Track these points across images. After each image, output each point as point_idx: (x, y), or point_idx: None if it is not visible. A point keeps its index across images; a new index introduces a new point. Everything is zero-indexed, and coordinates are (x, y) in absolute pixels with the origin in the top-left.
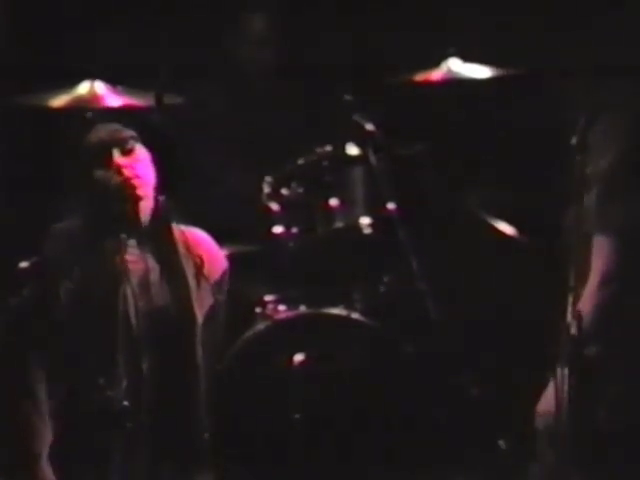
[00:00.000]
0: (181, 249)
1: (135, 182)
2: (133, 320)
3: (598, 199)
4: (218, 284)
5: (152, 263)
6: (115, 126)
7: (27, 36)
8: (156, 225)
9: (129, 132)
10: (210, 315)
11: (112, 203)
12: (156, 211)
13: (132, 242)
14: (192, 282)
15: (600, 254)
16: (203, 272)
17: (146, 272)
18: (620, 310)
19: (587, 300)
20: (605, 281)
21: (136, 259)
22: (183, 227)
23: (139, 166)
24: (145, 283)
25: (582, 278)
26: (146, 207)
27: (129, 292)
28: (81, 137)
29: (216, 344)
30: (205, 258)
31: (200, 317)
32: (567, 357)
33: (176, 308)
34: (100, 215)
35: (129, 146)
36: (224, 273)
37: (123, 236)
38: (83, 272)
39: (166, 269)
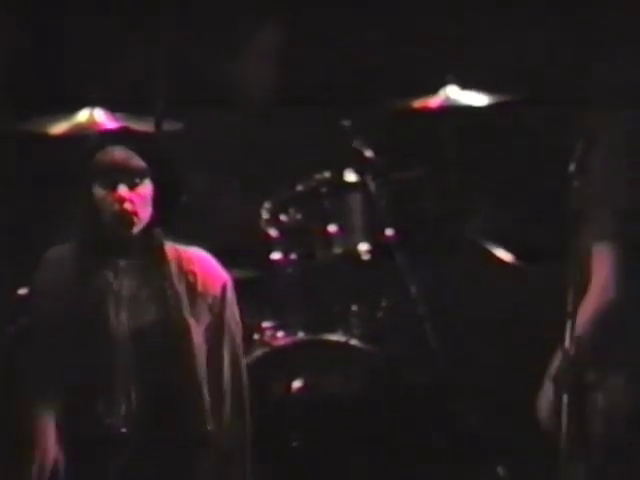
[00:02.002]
0: (173, 268)
1: (133, 218)
2: (127, 344)
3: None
4: (220, 299)
5: (142, 284)
6: (128, 153)
7: (27, 64)
8: (146, 246)
9: (140, 163)
10: (211, 333)
11: (106, 225)
12: (147, 234)
13: (122, 263)
14: (185, 300)
15: (601, 264)
16: (197, 289)
17: (138, 294)
18: (618, 319)
19: (587, 306)
20: (605, 290)
21: (127, 281)
22: (179, 246)
23: (140, 203)
24: (137, 305)
25: (580, 300)
26: (138, 232)
27: (121, 316)
28: (90, 156)
29: (222, 364)
30: (199, 274)
31: (198, 335)
32: (567, 382)
33: (169, 327)
34: (92, 234)
35: (137, 180)
36: (224, 287)
37: (113, 259)
38: (73, 297)
39: (157, 289)
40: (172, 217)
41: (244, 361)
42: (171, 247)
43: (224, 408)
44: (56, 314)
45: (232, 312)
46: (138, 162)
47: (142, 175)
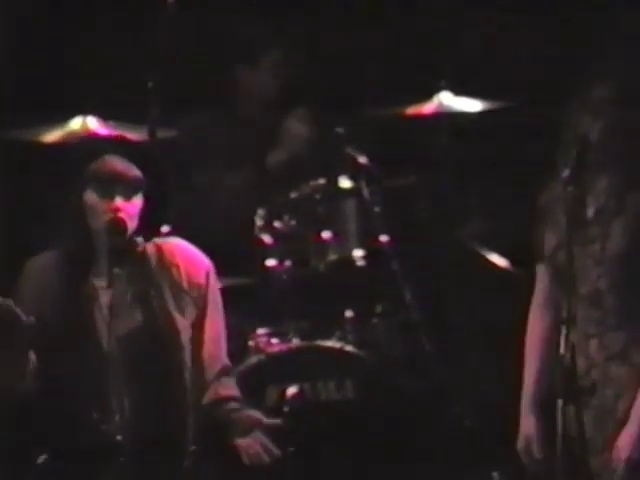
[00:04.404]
0: (155, 264)
1: (126, 226)
2: (116, 351)
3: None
4: (204, 289)
5: (127, 289)
6: (127, 164)
7: (19, 71)
8: (129, 253)
9: (138, 175)
10: (198, 324)
11: (95, 232)
12: (131, 242)
13: (107, 271)
14: (169, 295)
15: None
16: (182, 280)
17: (123, 300)
18: None
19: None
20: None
21: (113, 288)
22: (159, 240)
23: (131, 215)
24: (123, 311)
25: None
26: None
27: (109, 323)
28: (85, 163)
29: (205, 357)
30: (182, 265)
31: (186, 330)
32: (562, 388)
33: (156, 328)
34: (78, 241)
35: (132, 192)
36: (208, 274)
37: (98, 267)
38: (59, 307)
39: (141, 292)
40: (157, 227)
41: (225, 356)
42: (151, 244)
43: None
44: (42, 324)
45: (215, 301)
46: (136, 173)
47: (138, 187)
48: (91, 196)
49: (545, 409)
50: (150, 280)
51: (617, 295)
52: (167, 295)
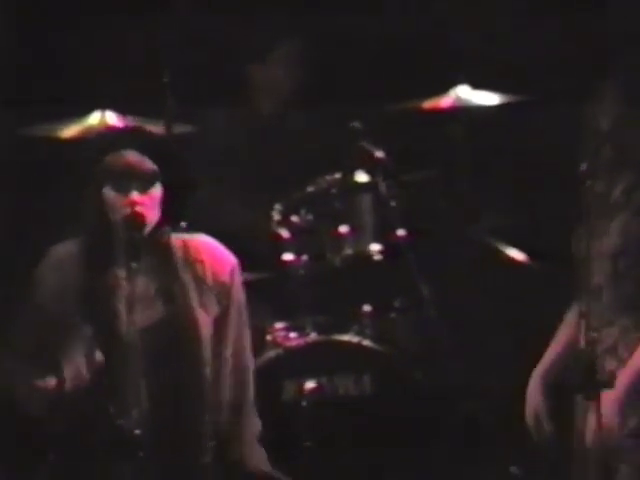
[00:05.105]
0: (180, 258)
1: (144, 220)
2: (137, 344)
3: None
4: (228, 286)
5: (150, 281)
6: (141, 157)
7: (38, 66)
8: (154, 245)
9: (152, 167)
10: (217, 326)
11: (115, 226)
12: (155, 233)
13: (131, 263)
14: (192, 290)
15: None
16: (205, 279)
17: (147, 292)
18: None
19: None
20: None
21: (136, 280)
22: (186, 235)
23: (150, 205)
24: (146, 303)
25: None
26: (147, 232)
27: (131, 315)
28: (101, 157)
29: (224, 359)
30: (207, 262)
31: (207, 326)
32: (582, 383)
33: (178, 322)
34: (100, 234)
35: (148, 184)
36: (232, 271)
37: (122, 258)
38: (82, 297)
39: (164, 284)
40: (180, 218)
41: (249, 355)
42: (177, 238)
43: (223, 403)
44: (62, 313)
45: (239, 298)
46: (150, 166)
47: (153, 179)
48: (107, 191)
49: (552, 394)
50: (174, 274)
51: (610, 291)
52: (190, 290)
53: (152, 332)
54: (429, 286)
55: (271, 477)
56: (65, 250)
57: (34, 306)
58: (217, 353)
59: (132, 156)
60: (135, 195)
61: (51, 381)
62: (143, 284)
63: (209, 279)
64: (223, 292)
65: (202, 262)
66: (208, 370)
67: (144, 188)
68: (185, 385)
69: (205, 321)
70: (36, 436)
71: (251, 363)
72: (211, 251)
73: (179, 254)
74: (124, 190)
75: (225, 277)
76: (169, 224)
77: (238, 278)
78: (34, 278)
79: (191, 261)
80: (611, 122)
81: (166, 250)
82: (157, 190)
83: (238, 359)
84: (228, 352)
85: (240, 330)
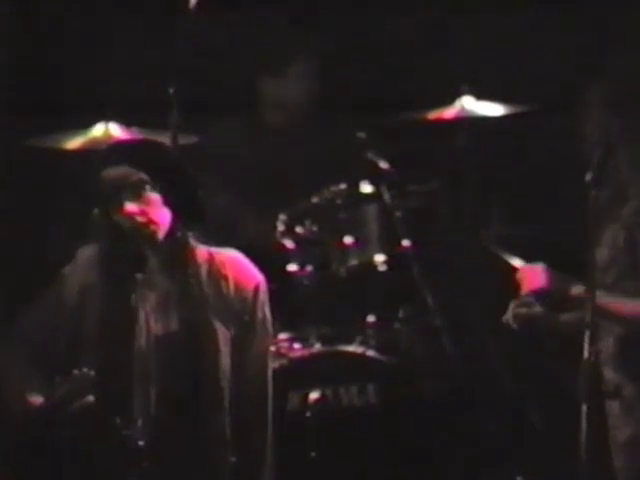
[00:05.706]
0: (204, 271)
1: (151, 227)
2: (150, 351)
3: None
4: (251, 303)
5: (169, 287)
6: (124, 169)
7: (41, 78)
8: (172, 250)
9: (138, 175)
10: (240, 341)
11: (128, 244)
12: (173, 238)
13: (150, 269)
14: (214, 303)
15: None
16: (229, 295)
17: (165, 299)
18: None
19: None
20: None
21: (155, 286)
22: (213, 249)
23: (152, 210)
24: (164, 310)
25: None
26: (163, 237)
27: (148, 322)
28: (93, 178)
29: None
30: (231, 277)
31: (226, 341)
32: (586, 392)
33: (194, 331)
34: (115, 254)
35: (139, 191)
36: (257, 288)
37: (138, 276)
38: (102, 300)
39: (183, 291)
40: (196, 218)
41: (270, 371)
42: (203, 250)
43: (245, 418)
44: (81, 313)
45: (263, 316)
46: (134, 175)
47: (143, 185)
48: (110, 209)
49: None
50: (195, 281)
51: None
52: (212, 303)
53: (168, 341)
54: (434, 296)
55: None
56: (92, 252)
57: (52, 305)
58: (237, 371)
59: (114, 170)
60: (129, 206)
61: (38, 399)
62: (162, 290)
63: (232, 294)
64: (245, 308)
65: (226, 277)
66: (226, 383)
67: (137, 195)
68: (194, 396)
69: (224, 336)
70: (41, 447)
71: (270, 385)
72: (236, 267)
73: (204, 267)
74: (119, 204)
75: (248, 294)
76: (184, 224)
77: (263, 296)
78: (60, 277)
79: (215, 275)
80: (616, 130)
81: (184, 256)
82: (151, 193)
83: (258, 379)
84: (250, 371)
85: (263, 348)
